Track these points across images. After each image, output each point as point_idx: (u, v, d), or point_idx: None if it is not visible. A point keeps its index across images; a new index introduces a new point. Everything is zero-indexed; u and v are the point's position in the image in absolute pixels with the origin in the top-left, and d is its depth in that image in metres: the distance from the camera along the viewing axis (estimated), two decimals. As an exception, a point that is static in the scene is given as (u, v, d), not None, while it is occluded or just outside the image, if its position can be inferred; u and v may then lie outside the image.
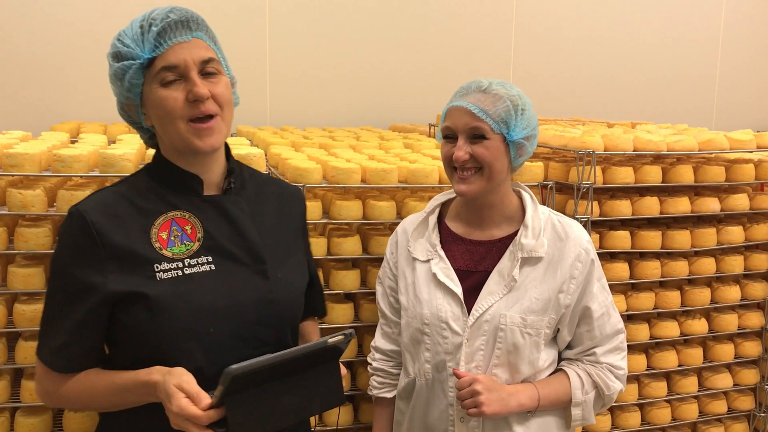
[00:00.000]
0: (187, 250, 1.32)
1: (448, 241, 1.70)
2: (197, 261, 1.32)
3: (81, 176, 1.96)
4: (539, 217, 1.66)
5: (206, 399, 1.16)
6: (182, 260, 1.31)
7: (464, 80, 1.67)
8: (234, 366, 1.12)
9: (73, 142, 2.42)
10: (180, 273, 1.30)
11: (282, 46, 3.91)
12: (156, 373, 1.24)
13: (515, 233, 1.65)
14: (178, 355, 1.27)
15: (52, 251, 1.89)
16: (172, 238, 1.32)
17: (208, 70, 1.30)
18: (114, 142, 2.38)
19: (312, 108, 3.99)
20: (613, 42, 4.63)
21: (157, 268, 1.29)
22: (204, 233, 1.35)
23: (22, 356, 1.91)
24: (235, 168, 1.43)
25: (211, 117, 1.30)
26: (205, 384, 1.20)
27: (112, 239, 1.28)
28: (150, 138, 1.42)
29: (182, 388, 1.18)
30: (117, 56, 1.30)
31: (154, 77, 1.28)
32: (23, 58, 3.48)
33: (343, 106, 4.06)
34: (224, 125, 1.34)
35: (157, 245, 1.31)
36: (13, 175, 1.96)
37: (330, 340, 1.23)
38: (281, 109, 3.96)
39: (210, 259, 1.33)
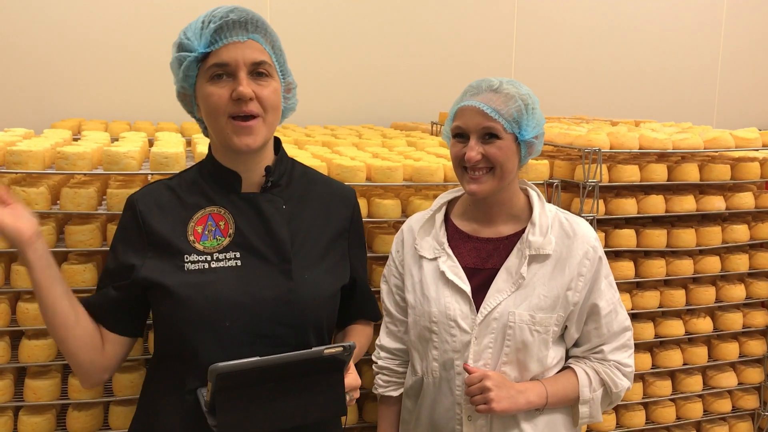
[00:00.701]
0: (218, 244, 1.38)
1: (455, 238, 1.69)
2: (225, 256, 1.37)
3: (84, 174, 1.95)
4: (546, 214, 1.65)
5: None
6: (211, 254, 1.37)
7: (466, 78, 1.66)
8: (220, 364, 1.17)
9: (75, 140, 2.40)
10: (206, 266, 1.36)
11: (282, 44, 3.89)
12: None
13: (522, 231, 1.65)
14: (196, 345, 1.33)
15: (56, 249, 1.90)
16: (206, 232, 1.39)
17: (259, 71, 1.35)
18: (117, 140, 2.36)
19: (313, 106, 3.96)
20: (614, 40, 4.62)
21: (186, 259, 1.36)
22: (235, 229, 1.39)
23: (25, 355, 1.90)
24: (274, 167, 1.45)
25: (253, 117, 1.34)
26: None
27: (154, 227, 1.39)
28: (205, 129, 1.47)
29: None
30: (178, 47, 1.37)
31: (205, 72, 1.34)
32: (24, 56, 3.46)
33: (344, 103, 4.05)
34: (265, 128, 1.37)
35: (191, 238, 1.38)
36: (16, 173, 1.94)
37: (326, 351, 1.25)
38: (283, 107, 3.93)
39: (238, 255, 1.38)
